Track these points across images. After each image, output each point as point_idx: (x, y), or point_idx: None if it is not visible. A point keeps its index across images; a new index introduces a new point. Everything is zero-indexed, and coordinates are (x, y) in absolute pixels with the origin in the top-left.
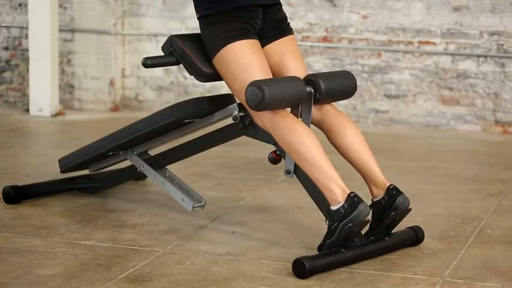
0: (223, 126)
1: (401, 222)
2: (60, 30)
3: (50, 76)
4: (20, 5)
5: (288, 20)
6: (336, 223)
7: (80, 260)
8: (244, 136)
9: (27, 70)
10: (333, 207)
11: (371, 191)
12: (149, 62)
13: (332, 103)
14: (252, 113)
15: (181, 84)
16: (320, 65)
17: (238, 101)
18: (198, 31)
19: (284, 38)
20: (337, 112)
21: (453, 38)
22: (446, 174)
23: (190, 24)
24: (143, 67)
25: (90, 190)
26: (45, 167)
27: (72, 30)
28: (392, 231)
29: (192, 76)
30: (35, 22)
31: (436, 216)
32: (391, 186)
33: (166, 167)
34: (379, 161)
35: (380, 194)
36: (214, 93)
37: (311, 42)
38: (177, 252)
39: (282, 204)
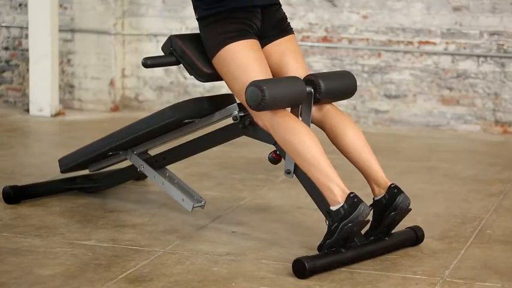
0: (223, 126)
1: (401, 222)
2: (60, 30)
3: (50, 76)
4: (20, 5)
5: (288, 20)
6: (336, 223)
7: (80, 260)
8: (244, 136)
9: (27, 70)
10: (333, 208)
11: (372, 190)
12: (149, 62)
13: (333, 103)
14: (252, 112)
15: (181, 84)
16: (320, 65)
17: (238, 101)
18: (198, 31)
19: (284, 37)
20: (338, 112)
21: (453, 38)
22: (446, 174)
23: (190, 24)
24: (143, 67)
25: (90, 190)
26: (45, 167)
27: (72, 30)
28: (392, 231)
29: (192, 76)
30: (35, 22)
31: (436, 216)
32: (393, 185)
33: (166, 167)
34: (379, 161)
35: (381, 193)
36: (214, 93)
37: (311, 42)
38: (177, 252)
39: (282, 204)
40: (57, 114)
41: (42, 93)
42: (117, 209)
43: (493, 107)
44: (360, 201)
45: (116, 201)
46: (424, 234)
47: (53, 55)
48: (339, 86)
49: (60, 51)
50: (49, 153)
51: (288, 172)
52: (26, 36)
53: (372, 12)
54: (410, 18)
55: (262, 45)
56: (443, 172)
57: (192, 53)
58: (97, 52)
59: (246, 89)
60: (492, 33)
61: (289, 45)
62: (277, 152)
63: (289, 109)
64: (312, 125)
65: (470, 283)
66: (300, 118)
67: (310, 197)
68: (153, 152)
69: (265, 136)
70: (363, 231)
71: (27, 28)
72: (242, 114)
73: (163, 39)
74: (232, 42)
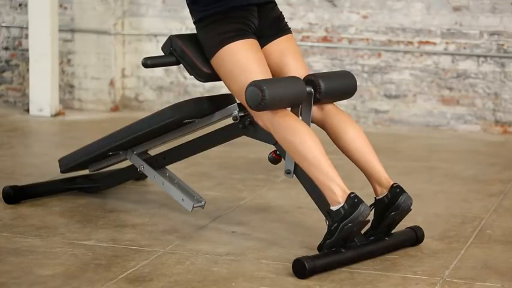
0: (223, 126)
1: (401, 222)
2: (60, 30)
3: (50, 76)
4: (20, 5)
5: (288, 20)
6: (336, 223)
7: (80, 260)
8: (244, 136)
9: (27, 70)
10: (333, 208)
11: (375, 190)
12: (149, 62)
13: (333, 103)
14: (252, 112)
15: (181, 84)
16: (320, 65)
17: (238, 101)
18: None
19: (283, 37)
20: (338, 111)
21: (453, 38)
22: (446, 174)
23: (190, 24)
24: (143, 67)
25: (90, 190)
26: (45, 167)
27: (72, 30)
28: (392, 231)
29: (192, 76)
30: (35, 22)
31: (436, 216)
32: (395, 185)
33: (166, 167)
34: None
35: (384, 192)
36: (214, 93)
37: (311, 42)
38: (177, 252)
39: (282, 204)
40: (57, 114)
41: (42, 93)
42: (117, 209)
43: (493, 107)
44: (360, 201)
45: (116, 201)
46: (424, 234)
47: (53, 55)
48: (339, 86)
49: (60, 51)
50: (49, 153)
51: (288, 172)
52: (26, 36)
53: (372, 12)
54: (410, 18)
55: (262, 45)
56: (443, 172)
57: (192, 53)
58: (97, 52)
59: (246, 89)
60: (492, 33)
61: (288, 45)
62: (277, 152)
63: (289, 109)
64: (312, 125)
65: (470, 283)
66: (300, 118)
67: (310, 197)
68: (153, 152)
69: (265, 136)
70: (363, 231)
71: (27, 28)
72: (242, 114)
73: (163, 39)
74: (231, 42)
